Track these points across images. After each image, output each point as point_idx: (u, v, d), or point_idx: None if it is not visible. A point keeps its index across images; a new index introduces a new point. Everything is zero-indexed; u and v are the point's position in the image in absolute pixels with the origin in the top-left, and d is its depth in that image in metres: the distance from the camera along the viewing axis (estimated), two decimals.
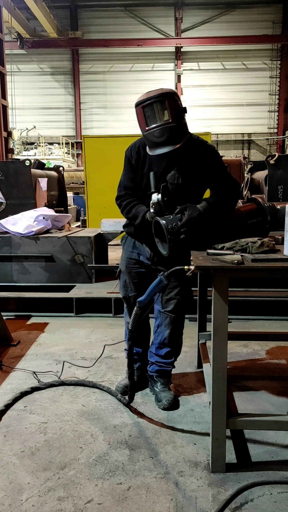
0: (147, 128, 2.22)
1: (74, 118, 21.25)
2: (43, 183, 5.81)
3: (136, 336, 2.57)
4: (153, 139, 2.22)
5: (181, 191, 2.37)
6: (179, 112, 2.21)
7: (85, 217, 8.69)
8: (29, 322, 4.22)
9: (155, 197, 2.27)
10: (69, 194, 10.57)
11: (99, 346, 3.52)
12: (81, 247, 4.84)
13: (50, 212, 5.43)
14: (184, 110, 2.26)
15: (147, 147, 2.33)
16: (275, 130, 20.83)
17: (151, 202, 2.28)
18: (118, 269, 2.74)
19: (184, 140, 2.26)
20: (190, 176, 2.37)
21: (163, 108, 2.17)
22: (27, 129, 20.93)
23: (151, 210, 2.30)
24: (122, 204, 2.54)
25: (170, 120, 2.17)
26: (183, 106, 2.27)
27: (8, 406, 2.59)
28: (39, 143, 19.48)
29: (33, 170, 5.82)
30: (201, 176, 2.40)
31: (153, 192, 2.29)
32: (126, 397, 2.57)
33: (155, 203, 2.27)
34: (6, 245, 4.86)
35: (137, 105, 2.23)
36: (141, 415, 2.51)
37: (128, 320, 2.75)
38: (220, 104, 20.43)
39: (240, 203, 4.63)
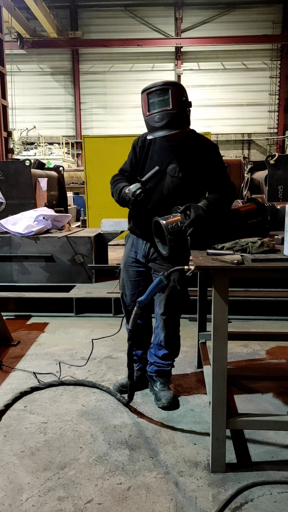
0: (148, 113, 2.27)
1: (74, 118, 21.25)
2: (43, 183, 5.81)
3: (137, 337, 2.58)
4: (152, 124, 2.26)
5: (180, 186, 2.39)
6: (182, 102, 2.25)
7: (85, 217, 8.70)
8: (29, 322, 4.22)
9: (134, 187, 2.30)
10: (69, 194, 10.57)
11: (99, 346, 3.52)
12: (81, 247, 4.84)
13: (50, 212, 5.43)
14: (188, 104, 2.30)
15: (148, 132, 2.36)
16: (275, 130, 20.83)
17: (131, 188, 2.31)
18: (120, 267, 2.75)
19: (184, 128, 2.30)
20: (191, 171, 2.40)
21: (166, 95, 2.22)
22: (27, 129, 20.93)
23: (126, 191, 2.33)
24: (112, 182, 2.59)
25: (171, 107, 2.22)
26: (189, 100, 2.30)
27: (8, 406, 2.59)
28: (39, 143, 19.48)
29: (33, 170, 5.82)
30: (202, 173, 2.41)
31: (140, 181, 2.32)
32: (126, 397, 2.57)
33: (131, 192, 2.30)
34: (6, 245, 4.86)
35: (142, 91, 2.30)
36: (141, 415, 2.51)
37: (127, 323, 2.75)
38: (220, 104, 20.43)
39: (240, 203, 4.63)
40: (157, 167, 2.32)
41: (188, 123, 2.35)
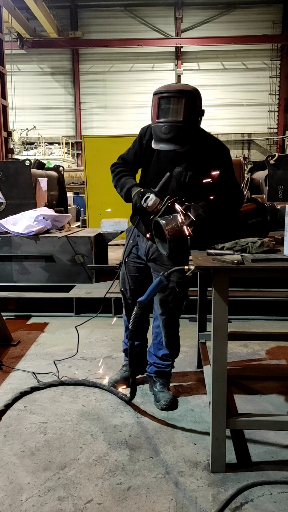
0: (156, 120, 2.19)
1: (74, 118, 21.24)
2: (43, 183, 5.81)
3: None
4: (159, 133, 2.18)
5: (186, 189, 2.34)
6: (194, 113, 2.17)
7: (85, 217, 8.70)
8: (29, 322, 4.22)
9: (153, 202, 2.24)
10: (69, 194, 10.56)
11: (99, 346, 3.52)
12: (81, 247, 4.84)
13: (50, 212, 5.43)
14: (201, 113, 2.23)
15: (153, 139, 2.30)
16: (275, 130, 20.83)
17: (149, 199, 2.25)
18: (120, 261, 2.73)
19: (190, 142, 2.22)
20: (198, 175, 2.33)
21: (179, 105, 2.12)
22: (27, 129, 20.92)
23: (144, 205, 2.27)
24: (115, 170, 2.52)
25: (181, 119, 2.12)
26: (202, 108, 2.23)
27: (8, 406, 2.59)
28: (39, 143, 19.47)
29: (33, 170, 5.82)
30: (209, 176, 2.34)
31: (154, 192, 2.27)
32: (128, 395, 2.57)
33: (153, 207, 2.25)
34: (6, 245, 4.86)
35: (155, 93, 2.19)
36: (141, 415, 2.51)
37: (126, 315, 2.76)
38: (220, 104, 20.40)
39: None
40: (168, 174, 2.26)
41: (196, 134, 2.26)
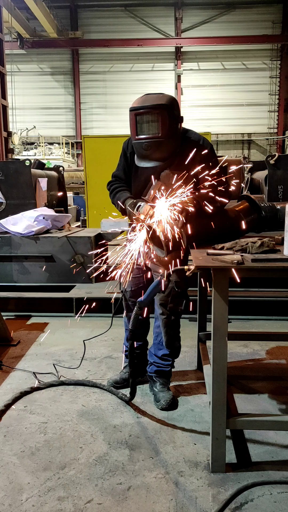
0: (136, 137, 2.20)
1: (74, 118, 21.25)
2: (43, 183, 5.80)
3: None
4: (140, 150, 2.21)
5: (175, 190, 2.35)
6: (172, 125, 2.16)
7: (85, 217, 8.70)
8: (29, 322, 4.22)
9: (144, 206, 2.26)
10: (69, 194, 10.56)
11: (99, 346, 3.52)
12: (81, 247, 4.84)
13: (50, 212, 5.43)
14: (179, 120, 2.23)
15: (135, 155, 2.33)
16: (275, 130, 20.83)
17: (140, 207, 2.28)
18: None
19: (172, 153, 2.24)
20: (183, 174, 2.31)
21: (155, 120, 2.12)
22: (27, 129, 20.93)
23: (136, 212, 2.29)
24: (111, 188, 2.60)
25: (160, 134, 2.13)
26: (181, 115, 2.23)
27: (8, 406, 2.59)
28: (39, 143, 19.47)
29: (33, 170, 5.81)
30: (195, 173, 2.36)
31: (145, 200, 2.28)
32: (128, 395, 2.57)
33: (144, 211, 2.26)
34: (6, 245, 4.86)
35: (131, 109, 2.20)
36: (141, 415, 2.51)
37: (126, 317, 2.76)
38: (220, 104, 20.43)
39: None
40: (156, 181, 2.28)
41: (179, 140, 2.27)
